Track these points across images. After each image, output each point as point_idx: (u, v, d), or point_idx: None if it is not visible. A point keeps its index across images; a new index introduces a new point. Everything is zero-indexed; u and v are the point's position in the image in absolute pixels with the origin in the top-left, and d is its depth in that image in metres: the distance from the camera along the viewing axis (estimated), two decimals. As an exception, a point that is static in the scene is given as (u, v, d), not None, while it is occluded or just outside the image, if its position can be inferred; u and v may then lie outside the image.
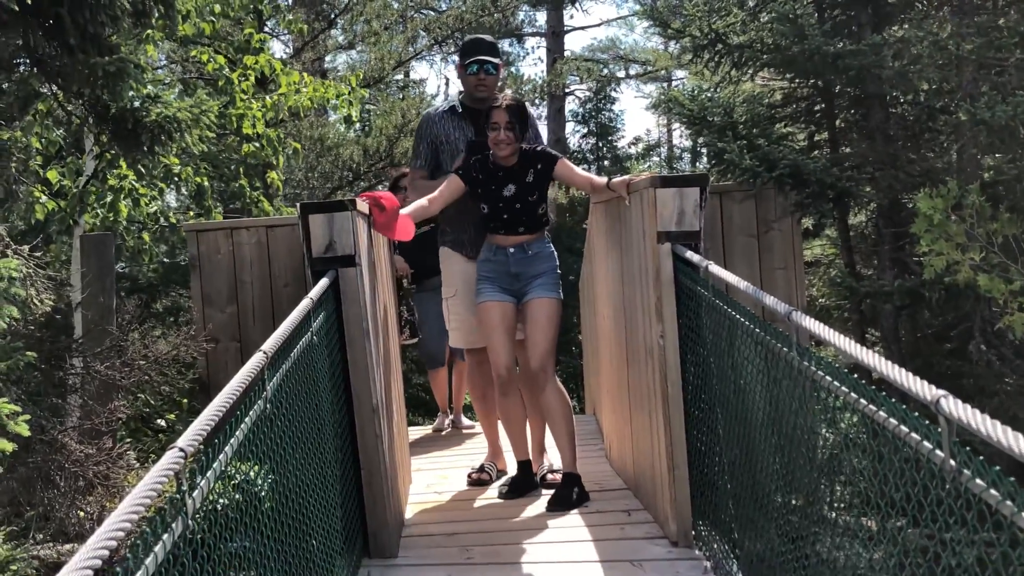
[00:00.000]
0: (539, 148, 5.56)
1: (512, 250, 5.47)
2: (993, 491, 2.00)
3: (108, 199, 8.09)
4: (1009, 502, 1.94)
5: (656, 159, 31.16)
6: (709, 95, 8.55)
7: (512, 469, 5.98)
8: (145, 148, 5.55)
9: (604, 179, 5.33)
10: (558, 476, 5.78)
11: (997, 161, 7.33)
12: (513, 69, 30.19)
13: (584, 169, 5.75)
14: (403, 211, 5.35)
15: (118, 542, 1.81)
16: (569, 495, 5.45)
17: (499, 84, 5.91)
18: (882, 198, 7.58)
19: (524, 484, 5.74)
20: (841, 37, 7.93)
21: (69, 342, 5.93)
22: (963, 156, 7.43)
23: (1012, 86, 7.13)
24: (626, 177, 5.15)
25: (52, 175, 7.68)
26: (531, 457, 5.85)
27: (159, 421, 7.94)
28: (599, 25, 47.17)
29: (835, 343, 2.91)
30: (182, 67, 12.36)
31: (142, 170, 7.97)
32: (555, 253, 5.65)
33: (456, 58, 6.40)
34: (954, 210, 6.35)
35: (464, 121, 5.81)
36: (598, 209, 6.34)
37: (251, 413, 2.93)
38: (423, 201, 5.41)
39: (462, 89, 5.93)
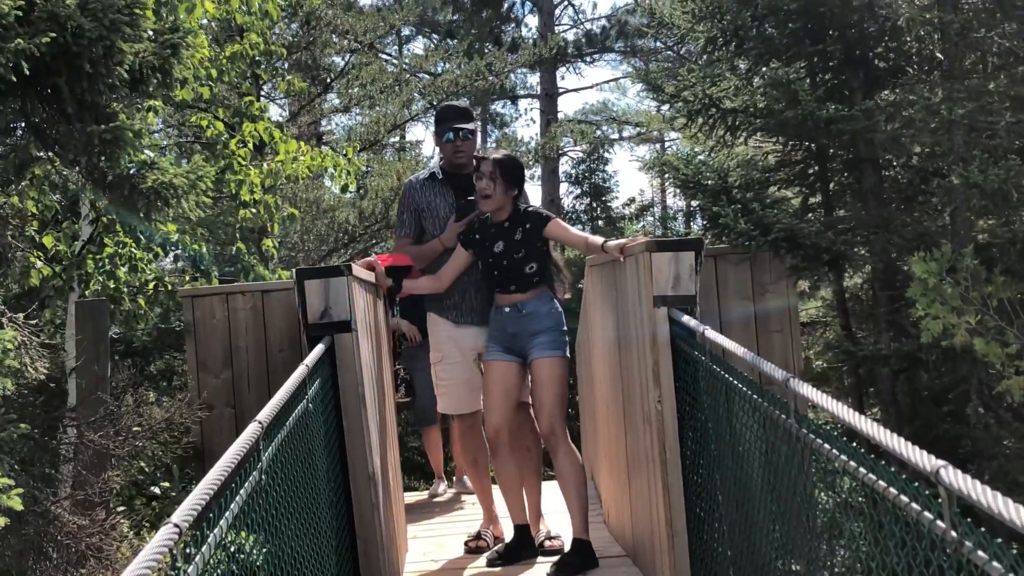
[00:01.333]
0: (531, 208, 5.54)
1: (507, 309, 5.44)
2: (996, 563, 1.98)
3: (107, 267, 8.10)
4: (1012, 575, 1.93)
5: (650, 219, 31.26)
6: (703, 159, 8.61)
7: (509, 536, 5.86)
8: (142, 214, 5.56)
9: (600, 239, 5.28)
10: (556, 543, 5.74)
11: (991, 224, 7.37)
12: (508, 131, 30.42)
13: (579, 229, 5.75)
14: (416, 290, 5.67)
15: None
16: (576, 562, 5.33)
17: (477, 147, 5.91)
18: (877, 261, 7.61)
19: (519, 550, 5.64)
20: (833, 101, 8.00)
21: (63, 411, 5.89)
22: (957, 219, 7.47)
23: (1004, 149, 7.19)
24: (621, 240, 5.13)
25: (48, 240, 7.68)
26: (528, 521, 5.75)
27: (153, 489, 7.86)
28: (592, 88, 47.56)
29: (832, 410, 2.90)
30: (179, 131, 12.44)
31: (140, 236, 7.98)
32: (558, 310, 5.55)
33: (432, 127, 6.46)
34: (949, 273, 6.37)
35: (445, 188, 5.82)
36: (593, 272, 6.35)
37: (246, 484, 2.91)
38: (433, 279, 5.60)
39: (442, 156, 5.95)
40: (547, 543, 5.78)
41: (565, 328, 5.57)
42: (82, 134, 4.97)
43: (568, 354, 5.54)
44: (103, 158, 5.20)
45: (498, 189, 5.36)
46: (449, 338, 5.78)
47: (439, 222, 5.77)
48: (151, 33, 5.27)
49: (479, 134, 6.00)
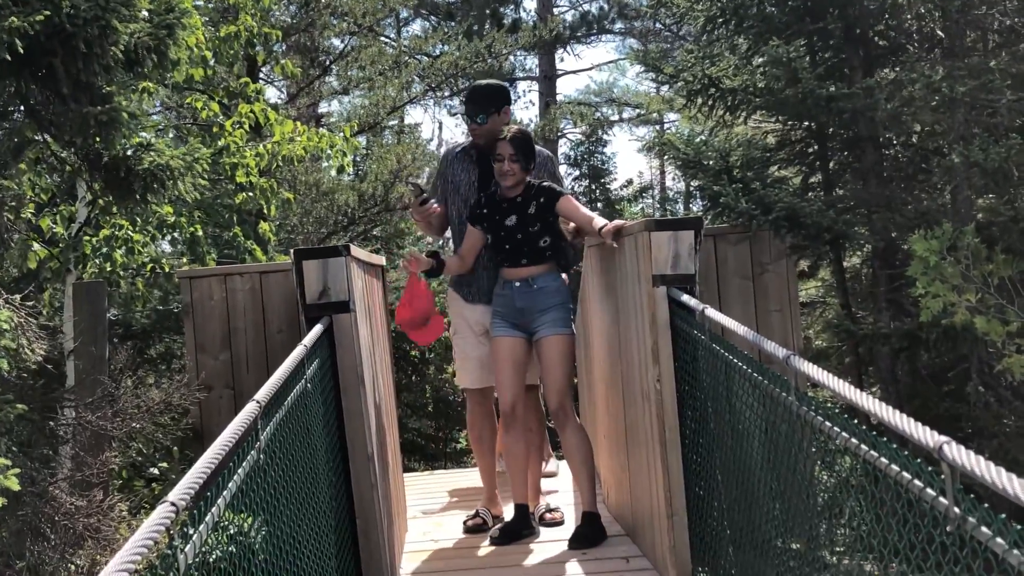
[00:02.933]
0: (544, 183, 5.59)
1: (517, 284, 5.50)
2: (999, 539, 1.97)
3: (103, 249, 8.07)
4: (1016, 551, 1.91)
5: (649, 201, 31.20)
6: (704, 139, 8.57)
7: (509, 515, 5.89)
8: (138, 196, 5.53)
9: (602, 221, 5.29)
10: (556, 515, 5.94)
11: (991, 203, 7.35)
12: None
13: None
14: (448, 266, 5.68)
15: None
16: (590, 534, 5.48)
17: (503, 127, 5.78)
18: (877, 240, 7.58)
19: (519, 529, 5.68)
20: (833, 80, 7.96)
21: (61, 392, 5.88)
22: (957, 198, 7.44)
23: (1005, 128, 7.16)
24: (617, 222, 5.18)
25: (44, 223, 7.66)
26: (528, 498, 5.79)
27: (152, 470, 7.85)
28: (591, 69, 47.44)
29: (834, 388, 2.89)
30: (176, 113, 12.39)
31: (136, 218, 7.95)
32: (566, 287, 5.66)
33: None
34: (949, 252, 6.35)
35: (472, 165, 5.89)
36: (592, 252, 6.33)
37: (244, 464, 2.90)
38: (457, 260, 5.70)
39: None
40: (547, 515, 5.95)
41: (571, 305, 5.67)
42: (77, 115, 4.94)
43: (574, 331, 5.66)
44: (98, 139, 5.17)
45: (517, 168, 5.46)
46: (460, 314, 5.90)
47: (459, 198, 5.85)
48: (146, 13, 5.23)
49: (506, 113, 5.92)
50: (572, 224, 5.57)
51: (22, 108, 5.59)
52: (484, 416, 6.01)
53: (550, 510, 6.03)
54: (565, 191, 5.61)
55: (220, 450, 2.65)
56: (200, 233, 8.76)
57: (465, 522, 6.06)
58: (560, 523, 5.92)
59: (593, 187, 27.12)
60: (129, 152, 5.55)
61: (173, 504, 2.19)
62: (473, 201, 5.72)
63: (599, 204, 26.38)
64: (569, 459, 5.70)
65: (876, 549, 2.69)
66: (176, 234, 8.90)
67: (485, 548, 5.65)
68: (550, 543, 5.57)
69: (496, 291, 5.63)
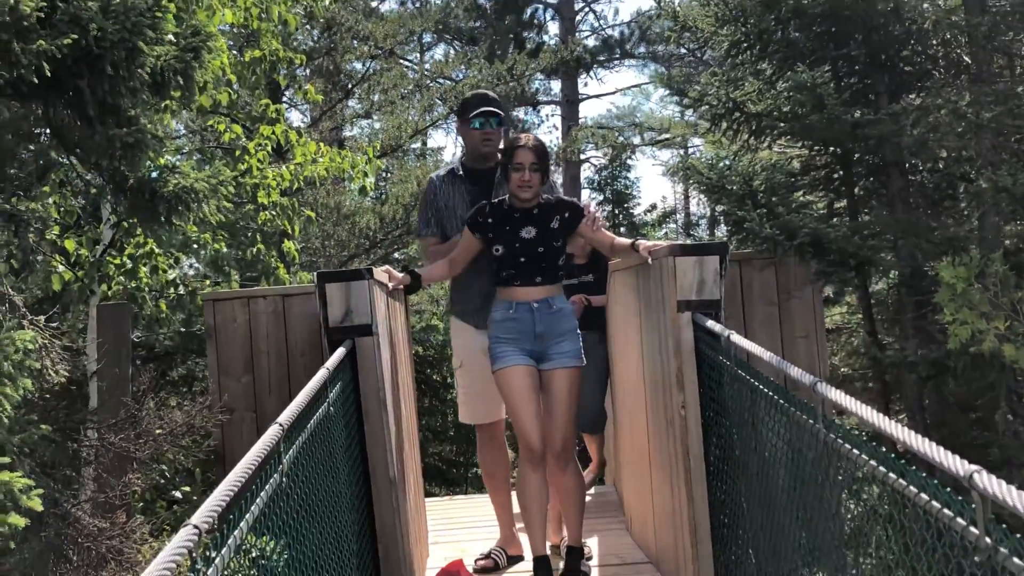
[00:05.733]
0: (566, 197, 5.21)
1: (536, 305, 4.96)
2: (1034, 571, 1.94)
3: (128, 267, 8.11)
4: (1051, 583, 1.88)
5: (672, 226, 31.19)
6: (728, 163, 8.56)
7: (527, 555, 5.47)
8: (163, 219, 5.55)
9: (628, 240, 5.06)
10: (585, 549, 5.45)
11: (1019, 228, 7.29)
12: (530, 137, 30.27)
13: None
14: (428, 275, 5.34)
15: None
16: (579, 567, 5.13)
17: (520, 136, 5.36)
18: (903, 266, 7.54)
19: None
20: (859, 106, 7.94)
21: (84, 413, 5.89)
22: (985, 224, 7.39)
23: (1032, 153, 7.12)
24: (652, 242, 4.94)
25: (69, 244, 7.70)
26: (551, 532, 5.38)
27: (175, 493, 7.87)
28: (614, 93, 47.57)
29: (862, 415, 2.85)
30: (200, 137, 12.47)
31: (162, 238, 7.98)
32: (575, 311, 5.34)
33: (456, 117, 6.08)
34: (977, 278, 6.30)
35: (463, 185, 5.56)
36: (617, 276, 6.31)
37: (267, 487, 2.88)
38: (443, 264, 5.21)
39: (464, 149, 5.69)
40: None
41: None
42: (103, 137, 4.96)
43: (585, 361, 5.16)
44: (124, 162, 5.19)
45: (538, 179, 4.94)
46: (470, 344, 5.52)
47: (457, 222, 5.44)
48: (172, 37, 5.26)
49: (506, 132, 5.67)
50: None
51: (48, 131, 5.62)
52: (497, 450, 5.70)
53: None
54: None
55: (243, 473, 2.63)
56: (224, 250, 8.78)
57: (476, 561, 5.71)
58: (589, 557, 5.56)
59: (616, 211, 27.12)
60: (154, 175, 5.57)
61: (196, 527, 2.17)
62: (475, 209, 5.14)
63: (622, 228, 26.38)
64: (565, 500, 5.12)
65: (905, 580, 2.65)
66: (201, 252, 8.94)
67: (507, 573, 5.60)
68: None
69: (498, 315, 5.03)
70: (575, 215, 5.04)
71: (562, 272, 5.11)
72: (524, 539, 5.48)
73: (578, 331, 5.09)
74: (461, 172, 5.63)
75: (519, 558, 5.74)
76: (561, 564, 5.21)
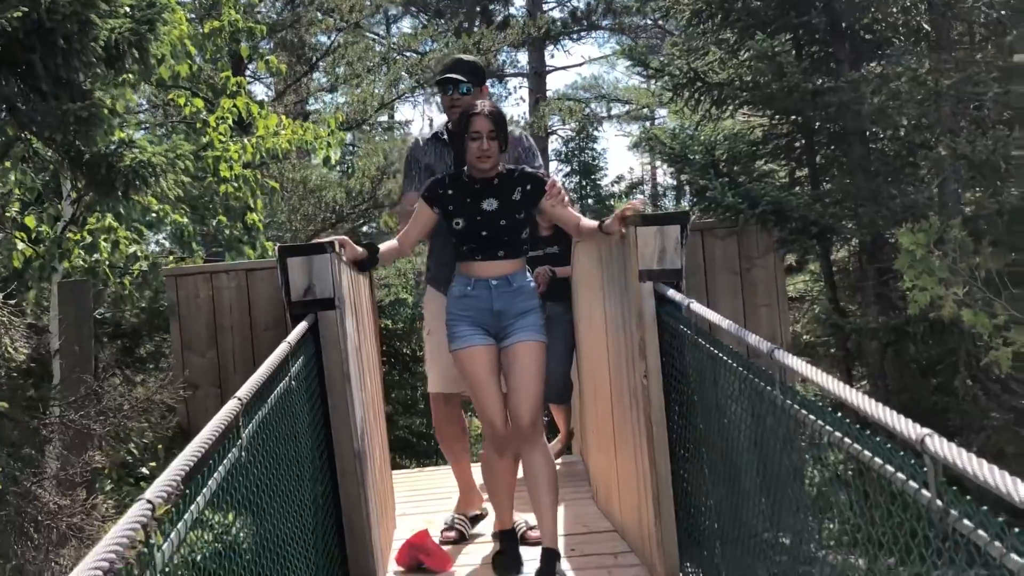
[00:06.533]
0: (527, 169, 4.92)
1: (495, 283, 4.77)
2: (981, 532, 1.96)
3: (88, 241, 8.04)
4: (997, 543, 1.90)
5: (640, 196, 31.24)
6: (690, 133, 8.57)
7: (488, 511, 5.56)
8: (120, 193, 5.50)
9: (594, 223, 4.83)
10: (535, 533, 5.22)
11: (978, 196, 7.35)
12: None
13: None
14: (384, 253, 4.92)
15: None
16: (553, 574, 4.73)
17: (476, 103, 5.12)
18: (864, 234, 7.58)
19: (513, 557, 5.00)
20: (820, 74, 7.96)
21: (47, 391, 5.85)
22: (944, 191, 7.45)
23: (991, 120, 7.16)
24: (616, 213, 4.68)
25: (30, 221, 7.63)
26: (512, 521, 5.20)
27: (142, 470, 7.84)
28: (581, 65, 47.53)
29: (818, 381, 2.88)
30: (163, 111, 12.37)
31: (121, 212, 7.92)
32: (537, 290, 5.04)
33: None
34: (936, 245, 6.34)
35: (446, 148, 5.46)
36: (580, 247, 6.31)
37: (225, 461, 2.87)
38: (393, 243, 4.98)
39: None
40: (530, 533, 5.39)
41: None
42: (57, 112, 4.90)
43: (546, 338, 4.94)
44: (79, 136, 5.13)
45: (495, 147, 4.71)
46: (440, 312, 5.26)
47: None
48: (127, 9, 5.19)
49: (486, 92, 5.52)
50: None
51: (4, 106, 5.55)
52: (452, 417, 5.69)
53: (530, 527, 5.43)
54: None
55: (200, 448, 2.62)
56: (186, 222, 8.73)
57: (442, 532, 5.65)
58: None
59: (584, 183, 27.13)
60: (111, 149, 5.51)
61: (150, 502, 2.16)
62: (431, 181, 4.93)
63: (590, 200, 26.41)
64: (534, 482, 4.81)
65: (860, 543, 2.68)
66: (162, 227, 8.88)
67: (476, 544, 5.62)
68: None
69: (456, 290, 4.86)
70: (537, 188, 4.80)
71: (526, 245, 4.91)
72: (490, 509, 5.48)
73: (539, 309, 4.89)
74: (445, 136, 5.50)
75: (480, 516, 5.76)
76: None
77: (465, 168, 4.82)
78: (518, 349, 4.76)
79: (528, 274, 4.94)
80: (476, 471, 5.73)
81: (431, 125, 5.67)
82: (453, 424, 5.71)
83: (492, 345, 4.79)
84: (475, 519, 5.82)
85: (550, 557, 4.75)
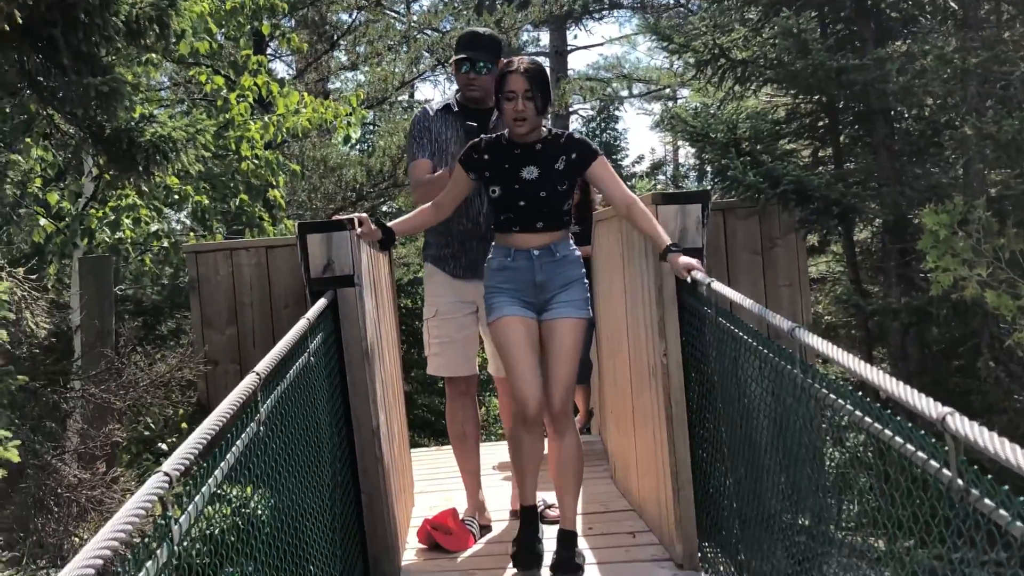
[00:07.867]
0: (576, 135, 4.51)
1: (537, 252, 4.44)
2: (1002, 511, 1.94)
3: (111, 219, 8.07)
4: (1019, 523, 1.88)
5: (662, 177, 31.14)
6: (712, 112, 8.52)
7: (496, 522, 5.41)
8: (141, 168, 5.51)
9: (662, 237, 4.37)
10: (554, 512, 5.11)
11: (1003, 176, 7.29)
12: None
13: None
14: (404, 226, 4.77)
15: (96, 570, 1.75)
16: (573, 557, 4.57)
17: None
18: (887, 214, 7.52)
19: (532, 538, 4.68)
20: (844, 52, 7.89)
21: (68, 365, 5.88)
22: (969, 171, 7.38)
23: (1018, 100, 7.09)
24: (690, 260, 4.27)
25: (52, 197, 7.65)
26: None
27: (161, 445, 7.89)
28: (602, 44, 47.23)
29: (839, 360, 2.85)
30: (185, 88, 12.37)
31: (143, 188, 7.94)
32: (581, 259, 4.66)
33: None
34: (960, 226, 6.29)
35: (457, 121, 5.16)
36: (600, 226, 6.29)
37: (243, 436, 2.87)
38: (427, 208, 4.64)
39: (458, 88, 5.29)
40: (549, 512, 5.28)
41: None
42: (78, 86, 4.90)
43: (591, 313, 4.71)
44: (100, 111, 5.13)
45: (532, 108, 4.30)
46: (442, 292, 5.25)
47: (445, 156, 5.09)
48: (149, -16, 5.18)
49: None
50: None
51: (26, 82, 5.56)
52: (467, 408, 5.32)
53: (549, 506, 5.33)
54: (600, 151, 4.54)
55: (217, 421, 2.62)
56: (207, 202, 8.74)
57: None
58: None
59: (604, 163, 27.01)
60: (132, 124, 5.52)
61: (167, 474, 2.16)
62: (470, 144, 4.56)
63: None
64: (561, 468, 4.59)
65: (882, 523, 2.66)
66: (184, 205, 8.91)
67: (494, 523, 5.62)
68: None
69: (495, 263, 4.54)
70: (584, 156, 4.42)
71: (567, 217, 4.54)
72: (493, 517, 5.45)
73: (583, 280, 4.57)
74: (456, 108, 5.22)
75: (487, 528, 5.47)
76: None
77: (506, 131, 4.47)
78: (558, 326, 4.46)
79: (572, 242, 4.61)
80: (483, 482, 5.61)
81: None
82: (469, 410, 5.38)
83: (532, 319, 4.47)
84: (483, 530, 5.45)
85: (568, 538, 4.59)
